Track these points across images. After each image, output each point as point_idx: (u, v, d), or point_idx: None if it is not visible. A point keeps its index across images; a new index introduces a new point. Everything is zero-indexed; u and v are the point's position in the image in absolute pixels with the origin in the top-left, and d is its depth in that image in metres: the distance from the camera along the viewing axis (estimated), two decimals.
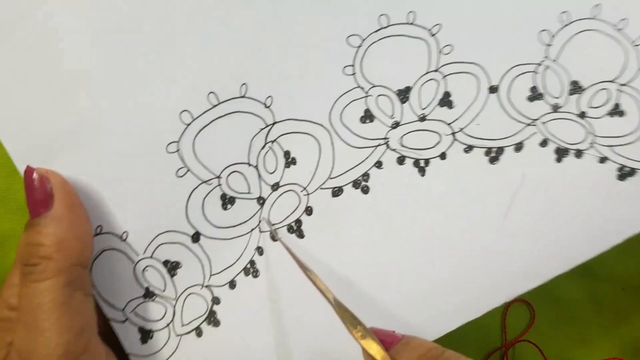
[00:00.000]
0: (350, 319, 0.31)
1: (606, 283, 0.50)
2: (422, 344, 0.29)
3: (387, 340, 0.30)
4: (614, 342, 0.50)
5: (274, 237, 0.36)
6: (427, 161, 0.38)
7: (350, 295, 0.37)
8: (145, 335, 0.37)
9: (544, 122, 0.38)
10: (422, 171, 0.38)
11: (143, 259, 0.37)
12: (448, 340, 0.44)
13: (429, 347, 0.29)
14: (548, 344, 0.49)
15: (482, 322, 0.45)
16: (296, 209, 0.38)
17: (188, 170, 0.36)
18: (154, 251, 0.36)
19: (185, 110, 0.36)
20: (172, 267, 0.37)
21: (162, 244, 0.36)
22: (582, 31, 0.37)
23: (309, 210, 0.38)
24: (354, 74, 0.37)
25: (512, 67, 0.37)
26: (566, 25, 0.37)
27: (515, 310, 0.50)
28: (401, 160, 0.38)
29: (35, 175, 0.31)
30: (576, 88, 0.38)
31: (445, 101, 0.37)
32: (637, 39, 0.36)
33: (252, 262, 0.37)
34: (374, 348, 0.30)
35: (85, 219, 0.32)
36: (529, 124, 0.38)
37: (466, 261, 0.38)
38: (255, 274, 0.37)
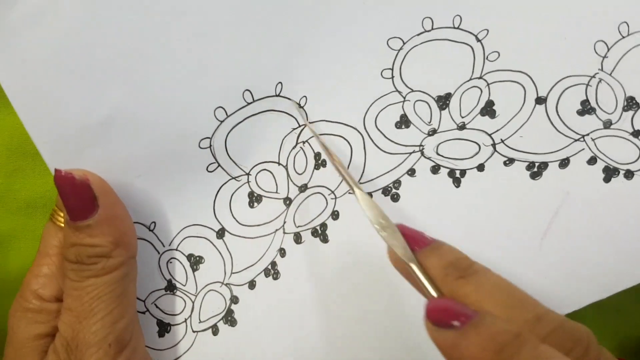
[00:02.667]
0: (376, 215, 0.26)
1: None
2: (451, 250, 0.25)
3: (415, 241, 0.26)
4: (614, 342, 0.43)
5: (299, 106, 0.32)
6: (463, 172, 0.32)
7: (370, 303, 0.33)
8: (163, 328, 0.33)
9: (593, 139, 0.32)
10: (457, 182, 0.33)
11: (168, 250, 0.32)
12: None
13: (459, 256, 0.25)
14: None
15: None
16: (322, 212, 0.33)
17: (218, 165, 0.32)
18: (179, 244, 0.32)
19: (219, 107, 0.31)
20: (195, 262, 0.33)
21: (187, 237, 0.32)
22: None
23: (335, 215, 0.33)
24: (392, 77, 0.32)
25: (563, 79, 0.31)
26: (624, 37, 0.31)
27: None
28: (436, 169, 0.32)
29: (76, 180, 0.28)
30: (632, 104, 0.31)
31: (488, 110, 0.32)
32: None
33: (273, 264, 0.33)
34: (401, 248, 0.25)
35: (127, 212, 0.30)
36: (577, 140, 0.32)
37: None
38: (276, 275, 0.33)
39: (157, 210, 0.31)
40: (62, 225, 0.29)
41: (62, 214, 0.29)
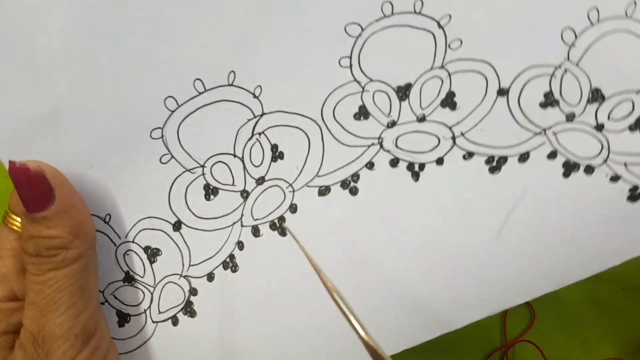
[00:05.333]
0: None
1: (606, 283, 0.39)
2: None
3: None
4: (614, 342, 0.39)
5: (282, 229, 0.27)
6: (422, 165, 0.26)
7: (325, 296, 0.25)
8: (123, 319, 0.28)
9: (555, 132, 0.25)
10: (415, 176, 0.26)
11: (125, 242, 0.27)
12: (448, 341, 0.35)
13: None
14: (548, 344, 0.39)
15: (482, 322, 0.34)
16: (280, 205, 0.27)
17: (172, 157, 0.26)
18: (135, 236, 0.27)
19: (170, 96, 0.25)
20: (152, 254, 0.27)
21: (143, 229, 0.27)
22: (611, 32, 0.24)
23: (293, 208, 0.27)
24: (350, 66, 0.25)
25: (527, 69, 0.25)
26: (594, 24, 0.24)
27: (516, 311, 0.39)
28: (394, 162, 0.26)
29: (31, 171, 0.23)
30: (597, 96, 0.25)
31: (449, 102, 0.25)
32: None
33: (231, 257, 0.27)
34: None
35: (84, 203, 0.25)
36: (538, 133, 0.25)
37: (453, 273, 0.27)
38: (234, 268, 0.27)
39: (111, 202, 0.26)
40: (15, 227, 0.25)
41: (14, 216, 0.25)
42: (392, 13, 0.24)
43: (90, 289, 0.25)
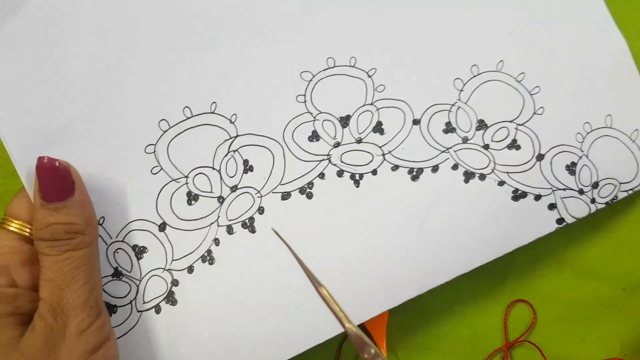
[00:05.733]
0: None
1: (606, 283, 0.38)
2: None
3: None
4: (614, 342, 0.38)
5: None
6: (361, 175, 0.33)
7: (290, 282, 0.31)
8: (110, 309, 0.30)
9: (455, 150, 0.33)
10: (357, 183, 0.33)
11: (115, 242, 0.30)
12: (449, 341, 0.38)
13: None
14: (548, 344, 0.38)
15: (483, 322, 0.38)
16: (250, 208, 0.32)
17: (161, 169, 0.31)
18: (125, 236, 0.30)
19: (163, 119, 0.30)
20: (139, 251, 0.31)
21: (133, 230, 0.30)
22: (488, 80, 0.33)
23: (261, 210, 0.32)
24: (305, 101, 0.32)
25: (431, 106, 0.33)
26: (475, 75, 0.33)
27: (516, 311, 0.39)
28: (340, 173, 0.33)
29: (60, 166, 0.26)
30: (482, 125, 0.33)
31: (378, 128, 0.33)
32: (534, 89, 0.33)
33: (209, 251, 0.31)
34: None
35: (91, 200, 0.28)
36: (443, 151, 0.33)
37: (389, 259, 0.32)
38: (211, 261, 0.31)
39: (106, 206, 0.30)
40: (11, 228, 0.28)
41: (10, 219, 0.28)
42: (335, 65, 0.33)
43: (98, 271, 0.28)
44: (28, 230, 0.28)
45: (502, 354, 0.38)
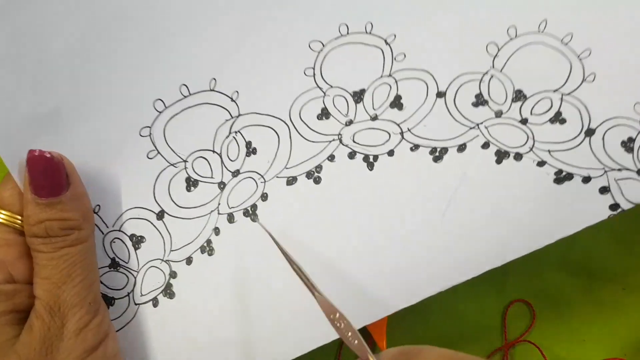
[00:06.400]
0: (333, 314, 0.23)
1: (606, 283, 0.39)
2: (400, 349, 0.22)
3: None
4: (614, 342, 0.38)
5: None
6: (375, 157, 0.29)
7: (294, 276, 0.27)
8: (108, 302, 0.29)
9: (486, 127, 0.29)
10: (370, 166, 0.29)
11: (112, 231, 0.28)
12: (449, 341, 0.38)
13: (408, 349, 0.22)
14: (548, 344, 0.38)
15: (483, 322, 0.38)
16: (253, 194, 0.29)
17: (158, 153, 0.28)
18: (122, 225, 0.28)
19: (158, 99, 0.28)
20: (137, 241, 0.29)
21: (130, 218, 0.28)
22: (528, 44, 0.28)
23: (264, 197, 0.29)
24: (313, 75, 0.28)
25: (459, 75, 0.28)
26: (512, 38, 0.28)
27: (516, 311, 0.39)
28: (352, 155, 0.29)
29: (54, 159, 0.25)
30: (520, 96, 0.28)
31: (396, 103, 0.29)
32: (583, 52, 0.28)
33: (208, 241, 0.29)
34: (354, 340, 0.21)
35: (86, 191, 0.27)
36: (472, 128, 0.29)
37: (405, 251, 0.29)
38: (211, 252, 0.29)
39: (101, 194, 0.28)
40: (1, 221, 0.26)
41: (4, 211, 0.26)
42: (348, 33, 0.28)
43: (96, 267, 0.27)
44: (19, 221, 0.26)
45: (502, 353, 0.38)
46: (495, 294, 0.38)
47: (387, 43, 0.29)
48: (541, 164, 0.29)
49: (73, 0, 0.26)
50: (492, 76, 0.29)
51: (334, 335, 0.28)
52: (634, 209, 0.29)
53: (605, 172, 0.29)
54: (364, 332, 0.38)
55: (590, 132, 0.29)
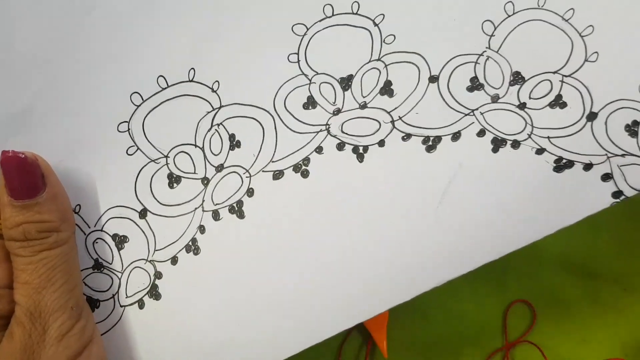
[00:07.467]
0: None
1: (607, 283, 0.38)
2: None
3: None
4: (614, 342, 0.38)
5: None
6: (365, 148, 0.27)
7: (284, 274, 0.27)
8: (92, 304, 0.27)
9: (482, 113, 0.27)
10: (360, 157, 0.27)
11: (94, 231, 0.27)
12: (448, 342, 0.37)
13: None
14: (549, 344, 0.38)
15: (483, 322, 0.37)
16: (238, 190, 0.27)
17: (138, 149, 0.27)
18: (104, 224, 0.27)
19: (135, 92, 0.26)
20: (120, 241, 0.27)
21: (111, 218, 0.27)
22: (526, 21, 0.26)
23: (250, 192, 0.28)
24: (298, 61, 0.26)
25: (453, 58, 0.26)
26: (510, 15, 0.26)
27: (516, 311, 0.38)
28: (341, 146, 0.27)
29: (28, 159, 0.23)
30: (518, 79, 0.26)
31: (386, 90, 0.27)
32: (585, 29, 0.25)
33: (194, 240, 0.28)
34: None
35: (65, 190, 0.26)
36: (467, 114, 0.27)
37: (399, 246, 0.27)
38: (197, 251, 0.28)
39: (81, 193, 0.27)
40: None
41: None
42: (333, 14, 0.26)
43: (78, 269, 0.26)
44: None
45: (502, 354, 0.37)
46: (495, 294, 0.38)
47: (375, 24, 0.27)
48: (540, 151, 0.27)
49: None
50: (488, 57, 0.27)
51: (325, 336, 0.27)
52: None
53: (608, 158, 0.27)
54: (364, 332, 0.37)
55: (592, 116, 0.27)
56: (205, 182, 0.28)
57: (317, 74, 0.27)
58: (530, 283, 0.37)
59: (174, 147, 0.27)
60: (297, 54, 0.27)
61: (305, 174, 0.28)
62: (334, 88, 0.27)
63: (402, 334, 0.37)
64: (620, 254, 0.37)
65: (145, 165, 0.27)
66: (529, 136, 0.27)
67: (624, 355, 0.37)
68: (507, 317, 0.38)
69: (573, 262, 0.38)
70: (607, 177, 0.27)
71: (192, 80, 0.27)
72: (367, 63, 0.27)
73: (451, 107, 0.27)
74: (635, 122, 0.26)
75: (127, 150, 0.27)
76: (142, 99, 0.26)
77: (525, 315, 0.38)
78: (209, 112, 0.27)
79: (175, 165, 0.27)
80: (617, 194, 0.27)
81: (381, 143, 0.27)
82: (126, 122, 0.26)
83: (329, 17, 0.26)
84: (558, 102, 0.27)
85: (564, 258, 0.38)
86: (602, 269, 0.38)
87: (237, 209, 0.28)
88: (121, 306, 0.28)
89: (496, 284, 0.38)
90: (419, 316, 0.37)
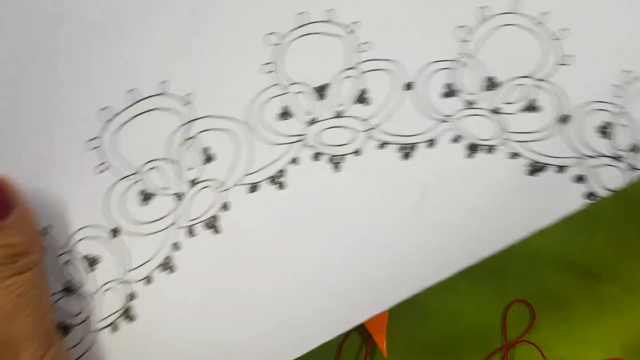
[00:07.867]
0: None
1: (606, 283, 0.38)
2: None
3: None
4: (614, 342, 0.37)
5: None
6: (342, 157, 0.27)
7: (263, 286, 0.27)
8: (64, 330, 0.26)
9: (457, 119, 0.27)
10: (337, 167, 0.27)
11: (65, 252, 0.26)
12: (448, 342, 0.37)
13: None
14: (548, 344, 0.38)
15: (482, 322, 0.37)
16: (213, 204, 0.27)
17: (108, 165, 0.26)
18: (75, 245, 0.26)
19: (106, 107, 0.25)
20: (92, 262, 0.26)
21: (83, 238, 0.26)
22: (500, 26, 0.26)
23: (226, 206, 0.27)
24: (272, 71, 0.26)
25: (428, 64, 0.26)
26: (484, 20, 0.26)
27: (516, 311, 0.38)
28: (317, 156, 0.27)
29: None
30: (491, 84, 0.27)
31: (362, 98, 0.27)
32: (558, 32, 0.26)
33: (168, 258, 0.27)
34: None
35: (33, 212, 0.24)
36: (442, 121, 0.27)
37: (380, 254, 0.27)
38: (172, 269, 0.27)
39: (50, 214, 0.25)
40: None
41: None
42: (307, 22, 0.26)
43: (48, 292, 0.25)
44: None
45: (502, 354, 0.37)
46: (495, 295, 0.37)
47: (350, 31, 0.26)
48: (514, 156, 0.27)
49: (1, 3, 0.24)
50: (463, 64, 0.27)
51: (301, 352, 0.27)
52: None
53: (580, 160, 0.27)
54: (364, 332, 0.37)
55: (564, 119, 0.27)
56: (179, 197, 0.27)
57: (293, 83, 0.26)
58: (529, 283, 0.37)
59: (147, 163, 0.26)
60: (271, 63, 0.26)
61: (281, 186, 0.27)
62: (309, 97, 0.27)
63: (402, 334, 0.36)
64: (620, 254, 0.37)
65: (116, 182, 0.26)
66: (503, 141, 0.27)
67: (624, 356, 0.37)
68: (507, 317, 0.38)
69: (573, 262, 0.37)
70: (579, 179, 0.27)
71: (164, 93, 0.26)
72: (343, 71, 0.26)
73: (426, 114, 0.27)
74: (607, 124, 0.27)
75: (97, 167, 0.26)
76: (113, 114, 0.25)
77: (525, 316, 0.38)
78: (181, 125, 0.26)
79: (148, 181, 0.26)
80: (590, 195, 0.27)
81: (357, 152, 0.27)
82: (96, 138, 0.26)
83: (303, 25, 0.26)
84: (531, 106, 0.27)
85: (563, 258, 0.38)
86: (601, 269, 0.38)
87: (212, 224, 0.27)
88: (94, 330, 0.26)
89: (496, 284, 0.38)
90: (419, 316, 0.37)
